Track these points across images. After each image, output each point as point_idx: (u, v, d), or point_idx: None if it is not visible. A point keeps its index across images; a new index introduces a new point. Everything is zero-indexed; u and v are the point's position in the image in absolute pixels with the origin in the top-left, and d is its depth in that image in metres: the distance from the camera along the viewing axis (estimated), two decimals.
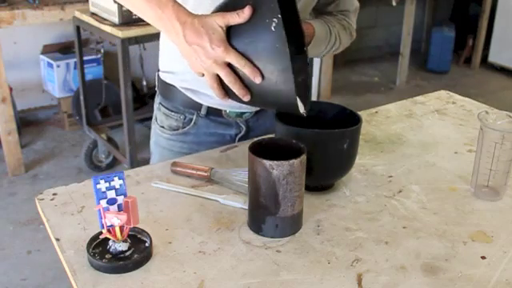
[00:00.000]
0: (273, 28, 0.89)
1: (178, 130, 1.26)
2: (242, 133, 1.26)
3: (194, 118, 1.24)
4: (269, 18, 0.89)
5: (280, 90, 0.93)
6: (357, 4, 1.29)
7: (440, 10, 5.19)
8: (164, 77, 1.26)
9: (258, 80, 0.90)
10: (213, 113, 1.23)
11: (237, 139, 1.26)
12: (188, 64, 0.95)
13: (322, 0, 1.24)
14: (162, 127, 1.28)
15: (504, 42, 4.69)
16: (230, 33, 0.91)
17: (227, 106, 1.20)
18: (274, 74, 0.92)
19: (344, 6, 1.26)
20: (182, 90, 1.22)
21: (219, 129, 1.25)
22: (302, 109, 0.96)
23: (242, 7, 0.91)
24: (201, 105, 1.22)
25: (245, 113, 1.23)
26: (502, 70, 4.76)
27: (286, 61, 0.90)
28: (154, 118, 1.32)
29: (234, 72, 0.92)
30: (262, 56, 0.91)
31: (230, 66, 0.91)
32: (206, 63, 0.91)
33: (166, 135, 1.27)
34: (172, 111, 1.26)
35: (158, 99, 1.30)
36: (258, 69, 0.90)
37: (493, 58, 4.81)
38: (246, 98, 0.94)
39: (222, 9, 0.94)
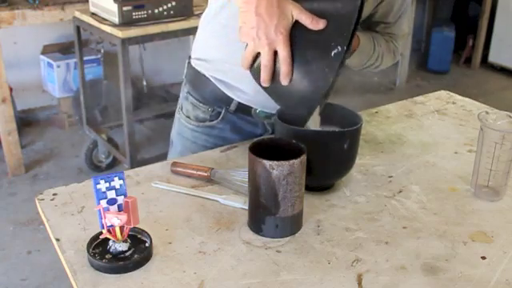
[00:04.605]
0: (333, 54, 0.89)
1: (204, 122, 1.24)
2: (267, 135, 1.25)
3: (223, 112, 1.22)
4: (335, 42, 0.89)
5: (299, 101, 0.94)
6: (406, 30, 1.26)
7: (440, 10, 5.18)
8: (197, 65, 1.24)
9: (284, 82, 0.92)
10: (242, 110, 1.21)
11: None
12: (239, 27, 0.93)
13: (371, 20, 1.22)
14: (188, 117, 1.26)
15: (504, 42, 4.68)
16: (295, 26, 0.91)
17: (260, 105, 1.19)
18: (302, 86, 0.92)
19: (393, 31, 1.23)
20: (215, 82, 1.20)
21: (246, 127, 1.24)
22: (311, 126, 1.00)
23: (320, 13, 0.90)
24: (231, 100, 1.20)
25: (274, 115, 1.22)
26: (502, 70, 4.75)
27: (325, 88, 0.90)
28: (178, 107, 1.30)
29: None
30: (304, 67, 0.91)
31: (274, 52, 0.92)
32: (259, 38, 0.90)
33: (192, 126, 1.26)
34: (200, 102, 1.24)
35: (185, 88, 1.28)
36: (292, 73, 0.91)
37: (493, 58, 4.81)
38: (264, 85, 0.95)
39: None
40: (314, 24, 0.90)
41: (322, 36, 0.90)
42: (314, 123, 1.02)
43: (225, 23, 1.15)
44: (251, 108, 1.21)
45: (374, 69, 1.24)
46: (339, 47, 0.88)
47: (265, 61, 0.92)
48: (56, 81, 3.40)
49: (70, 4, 2.94)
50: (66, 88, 3.45)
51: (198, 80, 1.24)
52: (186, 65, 1.29)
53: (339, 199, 1.02)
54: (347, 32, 0.88)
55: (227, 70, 1.17)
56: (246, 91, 1.18)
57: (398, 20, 1.22)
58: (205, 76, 1.22)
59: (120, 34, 2.49)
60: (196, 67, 1.24)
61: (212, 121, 1.24)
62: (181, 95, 1.31)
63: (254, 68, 0.96)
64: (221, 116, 1.23)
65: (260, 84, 0.97)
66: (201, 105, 1.24)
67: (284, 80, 0.92)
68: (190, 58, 1.28)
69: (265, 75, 0.94)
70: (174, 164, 1.09)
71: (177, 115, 1.32)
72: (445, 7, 5.21)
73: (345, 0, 0.92)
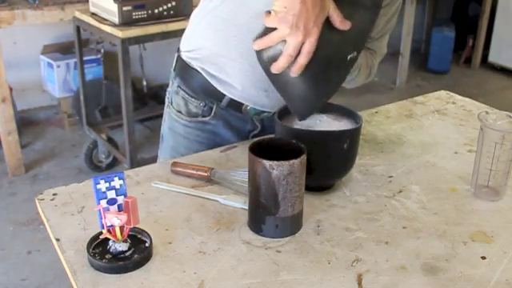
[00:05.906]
0: (349, 58, 0.90)
1: (197, 117, 1.23)
2: (256, 131, 1.25)
3: (214, 107, 1.21)
4: (353, 46, 0.89)
5: (302, 97, 0.94)
6: (385, 50, 1.26)
7: (440, 10, 5.19)
8: (188, 57, 1.21)
9: (295, 73, 0.91)
10: (233, 106, 1.20)
11: (250, 136, 1.25)
12: (273, 11, 0.89)
13: None
14: (179, 112, 1.24)
15: (504, 42, 4.68)
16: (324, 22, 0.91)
17: (250, 101, 1.18)
18: (310, 83, 0.92)
19: (373, 46, 1.23)
20: (206, 76, 1.18)
21: (235, 122, 1.23)
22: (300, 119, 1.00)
23: (350, 13, 0.90)
24: (223, 95, 1.19)
25: (264, 112, 1.21)
26: (502, 70, 4.75)
27: (334, 90, 0.90)
28: (168, 101, 1.28)
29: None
30: (319, 65, 0.91)
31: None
32: (298, 28, 0.88)
33: (184, 121, 1.24)
34: (192, 96, 1.22)
35: (175, 82, 1.26)
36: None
37: (493, 58, 4.81)
38: (275, 72, 0.93)
39: None
40: (342, 24, 0.90)
41: (343, 38, 0.90)
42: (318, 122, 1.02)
43: (225, 17, 1.14)
44: (242, 104, 1.19)
45: (346, 82, 1.19)
46: (355, 52, 0.89)
47: (291, 50, 0.89)
48: (56, 81, 3.40)
49: (70, 4, 2.94)
50: (66, 88, 3.45)
51: (188, 73, 1.22)
52: (176, 57, 1.26)
53: (339, 199, 1.02)
54: (364, 38, 0.89)
55: (221, 64, 1.16)
56: (237, 87, 1.17)
57: (380, 38, 1.22)
58: (195, 69, 1.20)
59: (120, 34, 2.49)
60: (186, 60, 1.22)
61: (205, 116, 1.22)
62: (170, 89, 1.28)
63: (264, 51, 0.93)
64: (213, 111, 1.21)
65: (264, 68, 0.94)
66: (192, 99, 1.22)
67: (296, 71, 0.91)
68: (178, 50, 1.25)
69: (282, 63, 0.91)
70: (174, 164, 1.09)
71: (167, 109, 1.29)
72: (445, 7, 5.21)
73: (366, 6, 0.93)
